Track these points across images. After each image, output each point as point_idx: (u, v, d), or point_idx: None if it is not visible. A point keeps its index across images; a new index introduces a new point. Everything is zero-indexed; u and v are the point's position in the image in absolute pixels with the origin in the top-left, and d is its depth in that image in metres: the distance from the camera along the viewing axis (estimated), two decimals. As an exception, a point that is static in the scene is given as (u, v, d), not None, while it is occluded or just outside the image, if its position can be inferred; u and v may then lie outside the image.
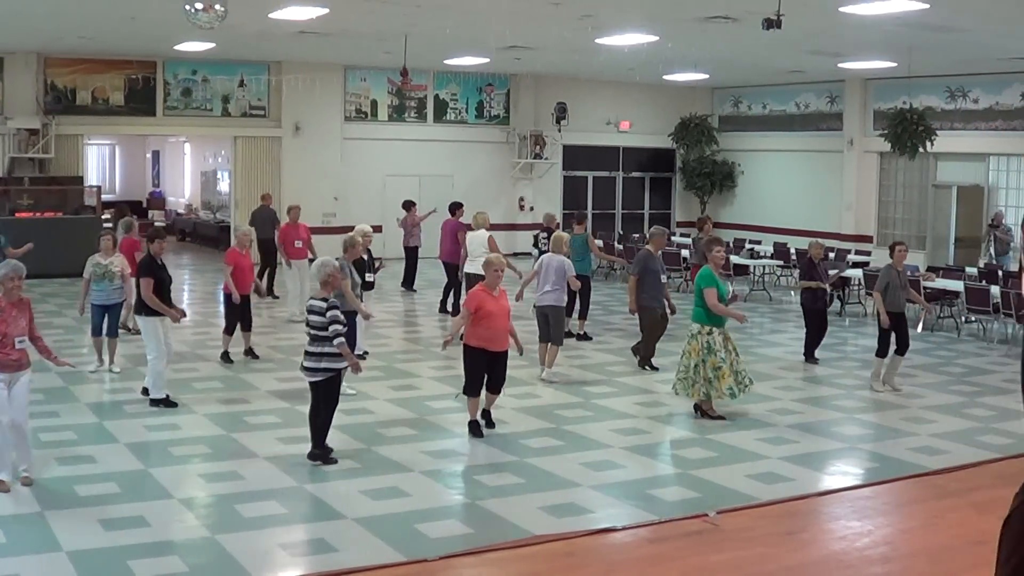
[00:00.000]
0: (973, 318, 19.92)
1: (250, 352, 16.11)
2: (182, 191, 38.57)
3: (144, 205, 37.95)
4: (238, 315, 15.86)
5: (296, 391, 13.93)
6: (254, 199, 27.85)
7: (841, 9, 17.10)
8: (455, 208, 21.07)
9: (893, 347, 14.80)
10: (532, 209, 32.07)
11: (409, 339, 18.51)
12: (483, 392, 12.09)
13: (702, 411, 13.00)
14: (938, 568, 8.50)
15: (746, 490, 10.21)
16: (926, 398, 14.50)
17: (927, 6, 16.62)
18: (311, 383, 10.85)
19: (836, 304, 22.11)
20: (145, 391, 13.19)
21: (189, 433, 11.95)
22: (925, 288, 19.63)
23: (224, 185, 33.16)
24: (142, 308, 12.97)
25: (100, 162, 38.64)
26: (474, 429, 12.02)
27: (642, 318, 15.97)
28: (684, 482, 10.54)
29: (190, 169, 38.08)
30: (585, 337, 18.39)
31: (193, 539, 8.70)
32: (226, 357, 15.82)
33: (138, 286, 13.05)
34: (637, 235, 30.19)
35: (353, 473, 10.54)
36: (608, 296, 24.15)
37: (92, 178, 33.51)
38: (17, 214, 24.56)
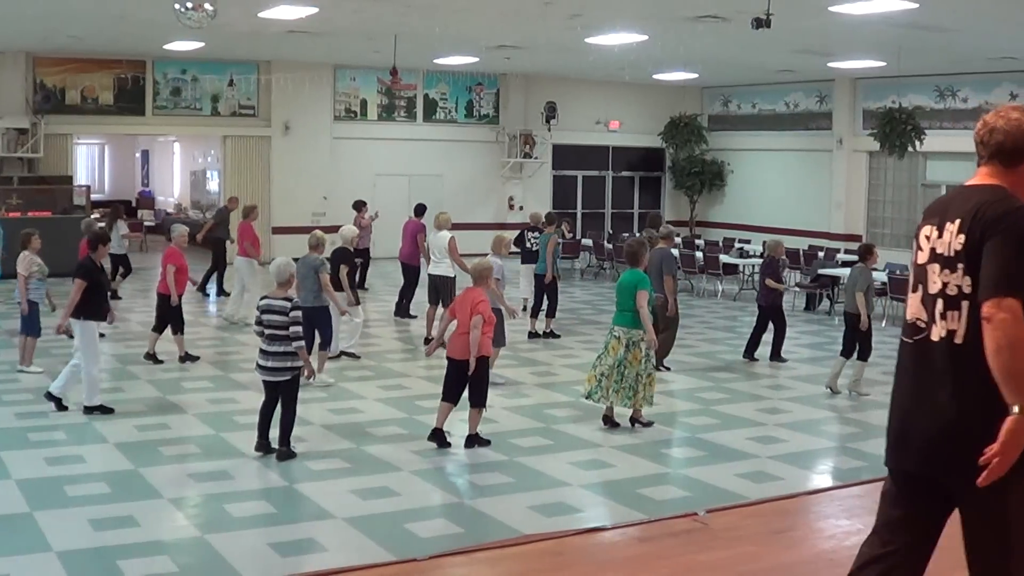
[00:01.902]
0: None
1: (188, 356, 15.76)
2: (171, 190, 38.51)
3: (133, 204, 37.87)
4: (175, 316, 15.67)
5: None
6: (243, 199, 27.85)
7: (830, 8, 17.13)
8: (421, 210, 20.80)
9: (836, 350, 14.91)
10: (521, 208, 32.07)
11: (399, 338, 18.50)
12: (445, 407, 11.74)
13: (610, 419, 12.48)
14: (928, 567, 8.50)
15: (735, 489, 10.22)
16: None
17: (916, 6, 16.65)
18: (274, 382, 10.92)
19: (825, 303, 22.15)
20: (50, 396, 12.60)
21: (179, 433, 11.93)
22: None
23: (214, 184, 33.13)
24: (81, 312, 12.52)
25: (89, 161, 38.61)
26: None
27: (669, 318, 15.67)
28: (673, 481, 10.56)
29: (179, 168, 38.02)
30: (552, 335, 18.52)
31: (183, 539, 8.69)
32: (155, 358, 15.60)
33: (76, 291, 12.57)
34: (627, 234, 30.20)
35: (342, 473, 10.54)
36: (597, 295, 24.17)
37: (81, 178, 33.49)
38: (7, 214, 24.50)
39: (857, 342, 14.66)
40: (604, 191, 34.86)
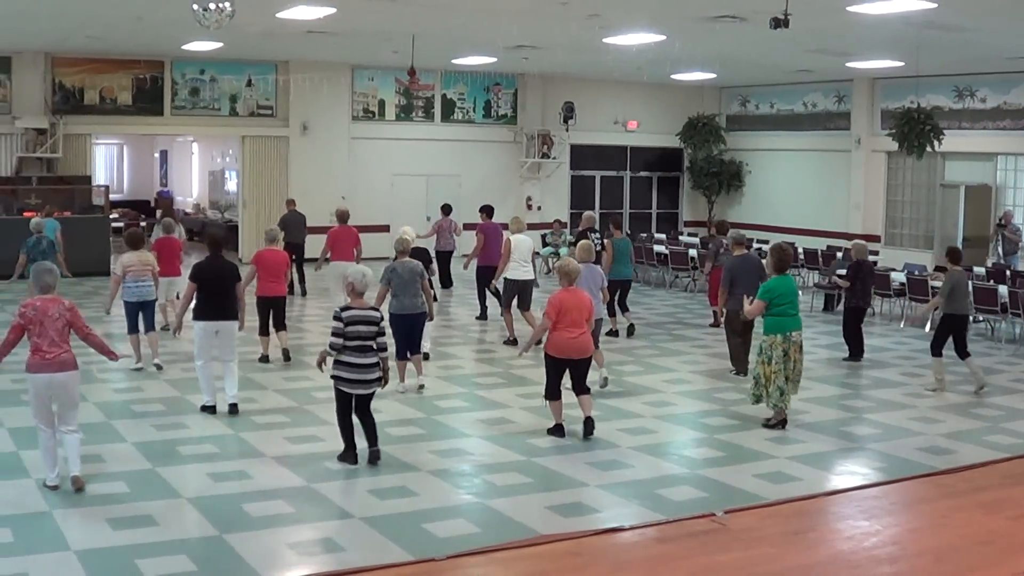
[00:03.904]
0: (981, 318, 19.88)
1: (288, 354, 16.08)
2: (190, 191, 38.58)
3: (152, 205, 37.96)
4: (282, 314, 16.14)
5: (303, 391, 13.97)
6: (262, 199, 28.04)
7: (849, 8, 17.09)
8: (493, 211, 20.90)
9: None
10: (540, 209, 32.04)
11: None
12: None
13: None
14: (945, 568, 8.50)
15: (754, 490, 10.21)
16: (933, 398, 14.48)
17: (935, 5, 16.60)
18: (368, 394, 10.80)
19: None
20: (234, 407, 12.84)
21: (197, 432, 11.96)
22: (933, 288, 19.61)
23: (232, 185, 33.17)
24: (234, 314, 12.97)
25: (108, 162, 38.65)
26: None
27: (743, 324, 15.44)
28: (692, 482, 10.54)
29: (198, 169, 38.07)
30: (632, 329, 18.76)
31: (201, 538, 8.72)
32: (268, 359, 15.91)
33: (227, 291, 12.89)
34: (645, 234, 30.18)
35: (360, 472, 10.55)
36: (615, 296, 24.10)
37: (100, 178, 33.55)
38: (25, 213, 24.57)
39: (963, 341, 14.93)
40: (622, 191, 34.79)
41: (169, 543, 8.49)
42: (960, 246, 27.34)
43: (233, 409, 12.71)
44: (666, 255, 25.50)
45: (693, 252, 25.17)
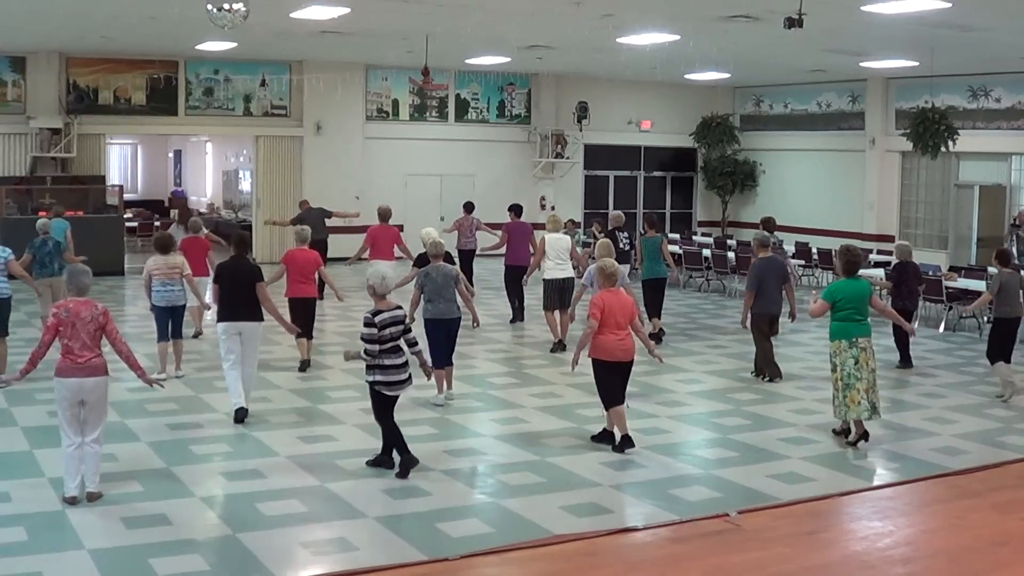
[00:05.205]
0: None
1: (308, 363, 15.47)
2: (204, 190, 38.68)
3: (166, 204, 38.05)
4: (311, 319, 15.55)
5: (317, 390, 13.98)
6: (276, 198, 28.05)
7: (863, 8, 17.07)
8: (521, 209, 20.65)
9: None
10: (553, 208, 31.98)
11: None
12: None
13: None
14: (959, 569, 8.48)
15: (767, 490, 10.19)
16: (948, 398, 14.43)
17: (949, 5, 16.57)
18: (396, 396, 10.58)
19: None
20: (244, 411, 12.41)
21: (210, 432, 11.97)
22: (947, 288, 19.56)
23: (246, 184, 33.24)
24: (258, 316, 12.57)
25: (122, 161, 38.77)
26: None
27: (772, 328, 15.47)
28: (705, 482, 10.52)
29: (212, 168, 38.16)
30: (661, 333, 18.01)
31: (214, 537, 8.73)
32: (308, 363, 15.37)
33: (250, 292, 12.50)
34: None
35: (374, 472, 10.54)
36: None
37: (114, 177, 33.64)
38: (39, 213, 24.63)
39: (1010, 348, 14.58)
40: (636, 191, 34.76)
41: (183, 542, 8.51)
42: (975, 247, 27.44)
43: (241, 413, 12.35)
44: (680, 255, 25.44)
45: (707, 252, 25.12)
